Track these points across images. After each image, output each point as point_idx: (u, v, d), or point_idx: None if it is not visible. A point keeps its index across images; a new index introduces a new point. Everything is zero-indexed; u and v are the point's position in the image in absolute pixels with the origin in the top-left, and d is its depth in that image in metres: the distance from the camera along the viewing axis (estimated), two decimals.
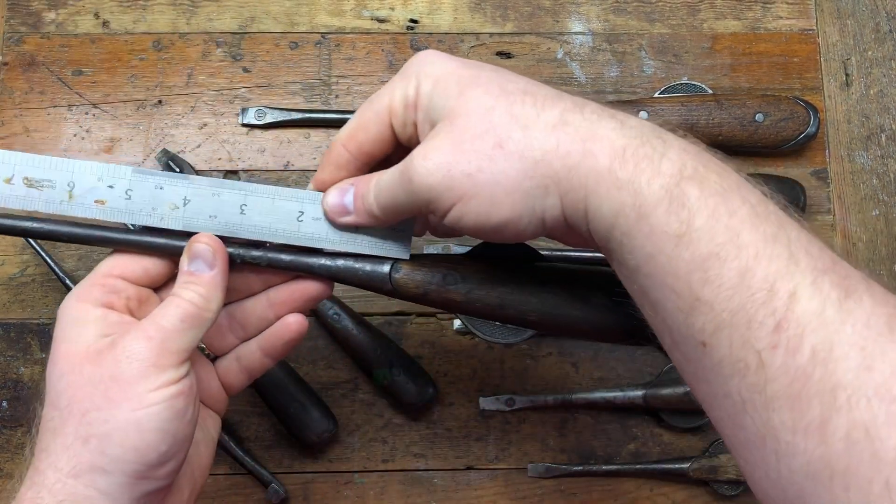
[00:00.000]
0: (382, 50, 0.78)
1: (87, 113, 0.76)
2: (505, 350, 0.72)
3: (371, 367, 0.69)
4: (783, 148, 0.74)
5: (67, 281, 0.69)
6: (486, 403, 0.72)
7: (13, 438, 0.70)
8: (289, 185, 0.75)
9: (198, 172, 0.74)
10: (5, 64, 0.77)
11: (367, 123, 0.46)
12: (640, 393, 0.70)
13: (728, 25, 0.79)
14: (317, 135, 0.76)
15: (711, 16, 0.79)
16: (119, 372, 0.43)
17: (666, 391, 0.69)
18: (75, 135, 0.76)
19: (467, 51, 0.78)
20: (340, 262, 0.49)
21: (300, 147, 0.76)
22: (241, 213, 0.48)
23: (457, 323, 0.72)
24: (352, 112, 0.75)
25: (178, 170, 0.73)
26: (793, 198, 0.71)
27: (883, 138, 0.77)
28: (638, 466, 0.70)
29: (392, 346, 0.69)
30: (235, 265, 0.48)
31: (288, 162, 0.75)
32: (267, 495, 0.68)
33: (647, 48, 0.78)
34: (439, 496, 0.70)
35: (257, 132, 0.76)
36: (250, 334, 0.51)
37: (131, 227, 0.49)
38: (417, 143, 0.44)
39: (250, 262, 0.49)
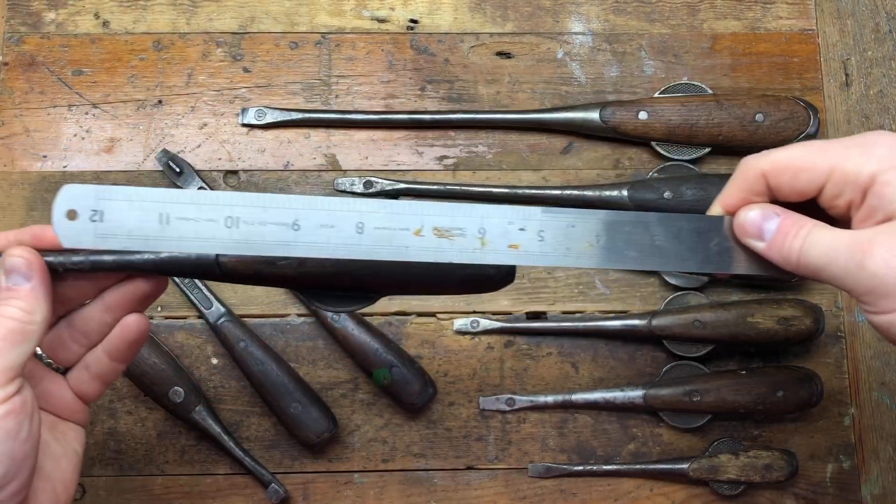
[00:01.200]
0: (382, 50, 0.78)
1: (87, 113, 0.76)
2: (505, 350, 0.73)
3: (371, 367, 0.69)
4: None
5: None
6: (486, 403, 0.72)
7: None
8: (289, 185, 0.75)
9: (198, 173, 0.74)
10: (5, 64, 0.77)
11: (799, 167, 0.46)
12: (640, 393, 0.70)
13: (728, 25, 0.79)
14: (317, 135, 0.76)
15: (711, 16, 0.79)
16: None
17: (666, 391, 0.69)
18: (75, 135, 0.76)
19: (467, 51, 0.78)
20: (164, 254, 0.47)
21: (300, 147, 0.76)
22: (653, 244, 0.48)
23: (457, 323, 0.73)
24: (352, 112, 0.76)
25: (178, 170, 0.73)
26: None
27: None
28: (638, 466, 0.70)
29: (392, 346, 0.69)
30: (59, 273, 0.47)
31: (288, 162, 0.75)
32: (267, 495, 0.68)
33: (647, 48, 0.78)
34: (439, 496, 0.70)
35: (257, 132, 0.76)
36: (94, 341, 0.50)
37: None
38: (846, 219, 0.46)
39: (73, 269, 0.47)
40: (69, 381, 0.51)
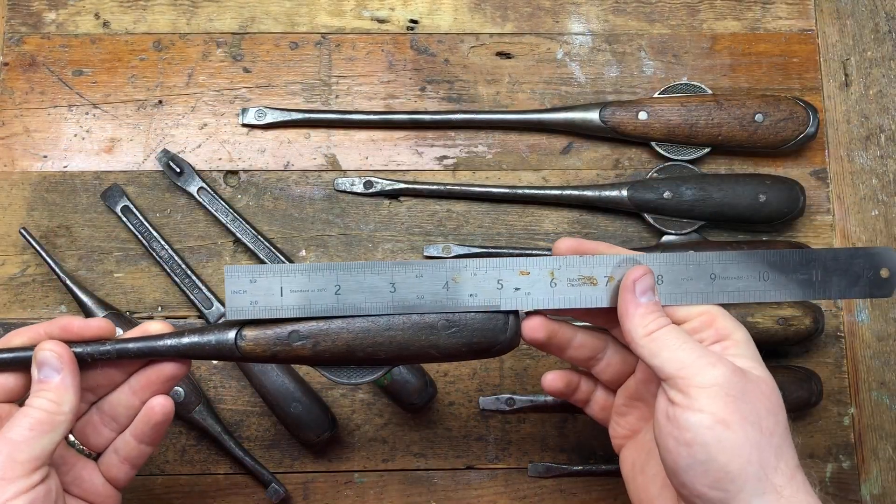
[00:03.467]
0: (382, 50, 0.78)
1: (87, 113, 0.76)
2: None
3: None
4: (783, 148, 0.74)
5: (68, 281, 0.69)
6: (486, 403, 0.72)
7: None
8: (289, 185, 0.75)
9: (198, 172, 0.74)
10: (6, 64, 0.77)
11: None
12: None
13: (728, 26, 0.79)
14: (317, 135, 0.76)
15: (711, 16, 0.79)
16: None
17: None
18: (75, 135, 0.76)
19: (467, 51, 0.78)
20: (185, 340, 0.51)
21: (300, 147, 0.76)
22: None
23: None
24: (352, 112, 0.76)
25: (178, 170, 0.73)
26: (792, 198, 0.71)
27: (882, 138, 0.77)
28: None
29: None
30: (88, 363, 0.50)
31: (288, 162, 0.76)
32: (267, 495, 0.68)
33: (646, 48, 0.78)
34: (439, 496, 0.71)
35: (257, 132, 0.76)
36: (123, 425, 0.53)
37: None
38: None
39: (101, 358, 0.50)
40: (100, 466, 0.53)
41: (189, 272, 0.71)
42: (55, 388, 0.48)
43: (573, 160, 0.76)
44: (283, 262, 0.71)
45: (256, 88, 0.77)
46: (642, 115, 0.73)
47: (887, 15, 0.79)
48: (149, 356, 0.51)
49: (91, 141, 0.76)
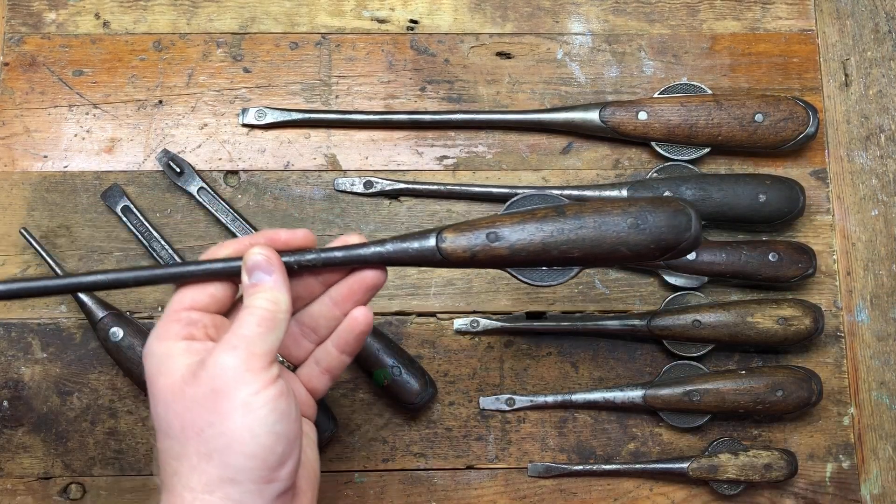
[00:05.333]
0: (382, 50, 0.78)
1: (87, 113, 0.76)
2: (505, 350, 0.73)
3: (371, 367, 0.69)
4: (783, 148, 0.74)
5: None
6: (486, 403, 0.72)
7: (13, 438, 0.70)
8: (289, 185, 0.75)
9: (198, 172, 0.74)
10: (6, 64, 0.77)
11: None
12: (639, 393, 0.70)
13: (727, 26, 0.79)
14: (317, 135, 0.76)
15: (711, 16, 0.80)
16: (217, 385, 0.45)
17: (665, 391, 0.69)
18: (76, 135, 0.76)
19: (467, 51, 0.78)
20: (389, 246, 0.52)
21: (300, 147, 0.76)
22: None
23: (457, 323, 0.73)
24: (352, 112, 0.76)
25: (178, 170, 0.73)
26: (792, 198, 0.72)
27: (882, 138, 0.77)
28: (637, 466, 0.70)
29: (392, 346, 0.69)
30: (294, 272, 0.51)
31: (288, 162, 0.76)
32: None
33: (646, 48, 0.78)
34: (439, 496, 0.71)
35: (257, 132, 0.76)
36: (323, 336, 0.54)
37: (180, 260, 0.50)
38: None
39: (307, 266, 0.51)
40: (300, 376, 0.55)
41: None
42: (270, 288, 0.48)
43: (573, 160, 0.76)
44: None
45: (256, 88, 0.77)
46: (642, 115, 0.73)
47: (887, 15, 0.79)
48: (354, 263, 0.52)
49: (91, 141, 0.76)
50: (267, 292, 0.48)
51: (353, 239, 0.53)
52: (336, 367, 0.54)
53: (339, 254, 0.51)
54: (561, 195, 0.73)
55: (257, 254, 0.49)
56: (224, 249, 0.51)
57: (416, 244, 0.52)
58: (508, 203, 0.54)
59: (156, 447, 0.48)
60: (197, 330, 0.49)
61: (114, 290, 0.62)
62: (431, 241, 0.52)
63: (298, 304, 0.53)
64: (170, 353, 0.47)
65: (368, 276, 0.52)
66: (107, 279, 0.50)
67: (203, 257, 0.51)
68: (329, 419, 0.68)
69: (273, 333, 0.47)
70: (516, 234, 0.51)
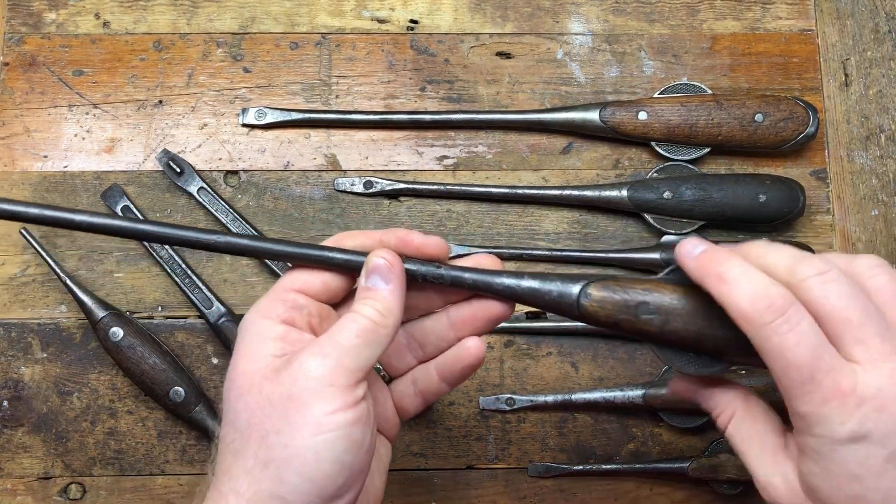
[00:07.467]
0: (382, 50, 0.78)
1: (87, 113, 0.76)
2: (505, 350, 0.73)
3: None
4: (783, 148, 0.74)
5: (68, 281, 0.69)
6: (486, 403, 0.72)
7: (13, 438, 0.70)
8: (289, 185, 0.75)
9: (198, 172, 0.74)
10: (6, 64, 0.77)
11: None
12: (639, 393, 0.70)
13: (727, 26, 0.79)
14: (317, 135, 0.76)
15: (711, 16, 0.80)
16: (295, 391, 0.42)
17: (666, 391, 0.69)
18: (76, 135, 0.76)
19: (467, 51, 0.78)
20: (525, 284, 0.47)
21: (300, 147, 0.76)
22: None
23: None
24: (352, 112, 0.76)
25: (178, 170, 0.73)
26: (792, 198, 0.71)
27: (882, 138, 0.77)
28: (637, 466, 0.70)
29: None
30: (417, 283, 0.47)
31: (288, 162, 0.76)
32: None
33: (646, 48, 0.78)
34: (439, 496, 0.71)
35: (258, 132, 0.76)
36: (429, 354, 0.50)
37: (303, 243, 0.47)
38: None
39: (433, 281, 0.47)
40: (392, 392, 0.51)
41: (189, 272, 0.72)
42: (383, 298, 0.44)
43: (573, 160, 0.76)
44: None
45: (256, 88, 0.77)
46: (642, 115, 0.73)
47: (887, 15, 0.79)
48: (481, 291, 0.48)
49: (91, 141, 0.76)
50: (378, 302, 0.44)
51: (486, 262, 0.49)
52: (432, 393, 0.50)
53: (469, 276, 0.47)
54: (560, 194, 0.74)
55: (381, 257, 0.45)
56: (351, 239, 0.47)
57: (555, 290, 0.47)
58: (670, 269, 0.48)
59: (218, 432, 0.45)
60: (300, 316, 0.45)
61: (208, 251, 0.51)
62: (574, 292, 0.47)
63: (412, 314, 0.49)
64: (263, 335, 0.44)
65: (494, 307, 0.48)
66: (224, 243, 0.46)
67: (328, 242, 0.48)
68: None
69: (371, 348, 0.43)
70: (673, 320, 0.46)
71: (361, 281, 0.45)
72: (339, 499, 0.42)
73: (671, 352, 0.47)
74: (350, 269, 0.46)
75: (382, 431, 0.50)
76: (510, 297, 0.48)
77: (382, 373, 0.51)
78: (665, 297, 0.46)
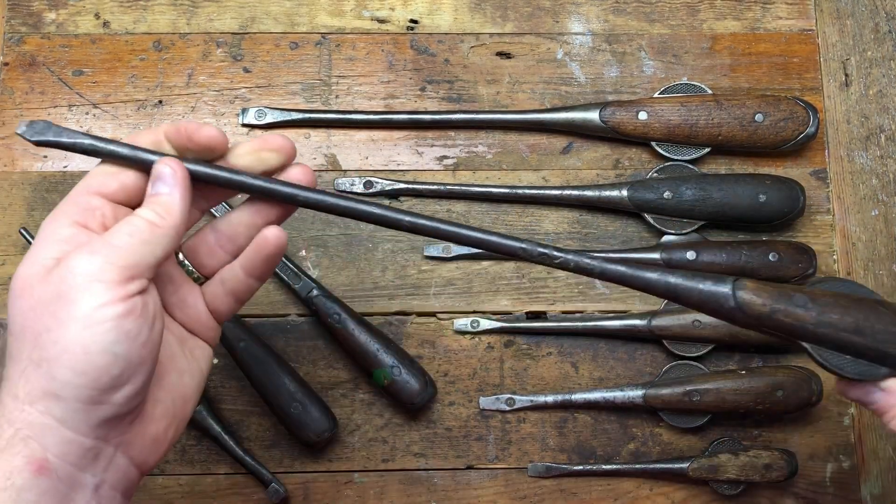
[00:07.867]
0: (382, 50, 0.78)
1: (87, 113, 0.76)
2: (505, 350, 0.73)
3: (371, 367, 0.69)
4: (783, 148, 0.74)
5: None
6: (486, 403, 0.72)
7: None
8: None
9: None
10: (6, 64, 0.77)
11: None
12: (639, 393, 0.70)
13: (728, 26, 0.79)
14: (317, 135, 0.76)
15: (711, 16, 0.79)
16: (64, 288, 0.42)
17: (666, 391, 0.69)
18: None
19: (467, 51, 0.78)
20: (673, 279, 0.46)
21: (300, 147, 0.76)
22: None
23: (457, 323, 0.73)
24: (352, 112, 0.76)
25: None
26: (792, 198, 0.71)
27: (882, 138, 0.77)
28: (638, 466, 0.70)
29: (392, 346, 0.69)
30: (219, 183, 0.47)
31: None
32: (267, 495, 0.68)
33: (646, 48, 0.78)
34: (439, 496, 0.71)
35: (258, 132, 0.76)
36: (241, 246, 0.50)
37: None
38: None
39: (217, 183, 0.47)
40: (204, 294, 0.51)
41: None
42: (163, 202, 0.45)
43: (573, 160, 0.76)
44: (285, 262, 0.71)
45: (256, 88, 0.77)
46: (642, 115, 0.73)
47: (887, 15, 0.79)
48: (631, 285, 0.47)
49: None
50: (159, 206, 0.45)
51: (299, 175, 0.49)
52: (242, 292, 0.50)
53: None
54: (560, 194, 0.74)
55: (165, 164, 0.46)
56: (143, 137, 0.48)
57: (708, 286, 0.46)
58: (816, 281, 0.48)
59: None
60: (93, 218, 0.45)
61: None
62: (726, 287, 0.46)
63: (213, 202, 0.50)
64: (47, 238, 0.44)
65: (295, 172, 0.49)
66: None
67: (128, 140, 0.48)
68: (329, 419, 0.68)
69: (147, 247, 0.44)
70: (829, 310, 0.45)
71: (149, 189, 0.46)
72: (116, 390, 0.42)
73: (828, 352, 0.46)
74: (138, 165, 0.47)
75: (198, 334, 0.50)
76: (662, 292, 0.47)
77: (196, 275, 0.50)
78: (818, 294, 0.46)
